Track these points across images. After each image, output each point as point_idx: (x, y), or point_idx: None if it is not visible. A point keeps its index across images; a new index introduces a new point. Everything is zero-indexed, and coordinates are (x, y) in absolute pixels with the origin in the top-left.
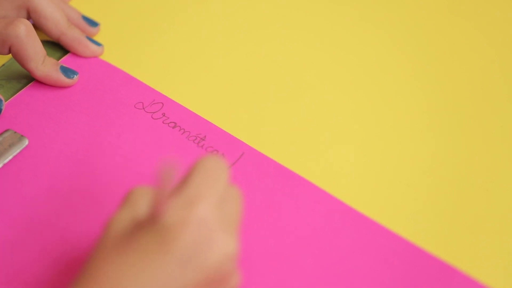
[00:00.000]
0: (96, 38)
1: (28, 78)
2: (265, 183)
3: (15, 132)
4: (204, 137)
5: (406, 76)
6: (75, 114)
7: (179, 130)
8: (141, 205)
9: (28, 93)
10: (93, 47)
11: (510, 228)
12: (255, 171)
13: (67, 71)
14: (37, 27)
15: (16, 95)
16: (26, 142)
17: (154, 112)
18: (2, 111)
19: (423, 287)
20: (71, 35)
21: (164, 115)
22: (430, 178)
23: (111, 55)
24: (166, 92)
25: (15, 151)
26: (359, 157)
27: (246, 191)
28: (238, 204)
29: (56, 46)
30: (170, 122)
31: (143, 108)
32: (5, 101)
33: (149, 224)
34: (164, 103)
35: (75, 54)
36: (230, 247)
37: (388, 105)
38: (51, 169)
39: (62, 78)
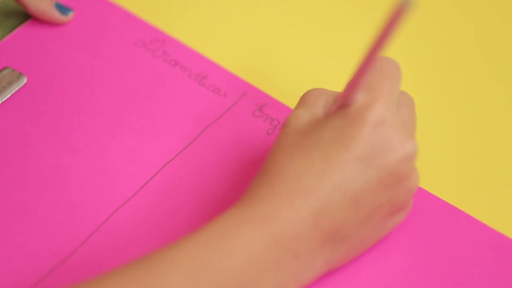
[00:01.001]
0: None
1: (26, 15)
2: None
3: (14, 69)
4: (205, 76)
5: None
6: (75, 52)
7: (180, 68)
8: (318, 104)
9: (26, 30)
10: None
11: None
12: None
13: (62, 8)
14: None
15: (14, 32)
16: (24, 80)
17: (155, 50)
18: None
19: (427, 225)
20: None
21: (165, 53)
22: (435, 119)
23: None
24: (167, 30)
25: (14, 89)
26: None
27: (247, 128)
28: (412, 110)
29: None
30: (171, 60)
31: (144, 46)
32: (3, 38)
33: (328, 122)
34: (165, 41)
35: None
36: (410, 147)
37: None
38: (50, 107)
39: (57, 15)
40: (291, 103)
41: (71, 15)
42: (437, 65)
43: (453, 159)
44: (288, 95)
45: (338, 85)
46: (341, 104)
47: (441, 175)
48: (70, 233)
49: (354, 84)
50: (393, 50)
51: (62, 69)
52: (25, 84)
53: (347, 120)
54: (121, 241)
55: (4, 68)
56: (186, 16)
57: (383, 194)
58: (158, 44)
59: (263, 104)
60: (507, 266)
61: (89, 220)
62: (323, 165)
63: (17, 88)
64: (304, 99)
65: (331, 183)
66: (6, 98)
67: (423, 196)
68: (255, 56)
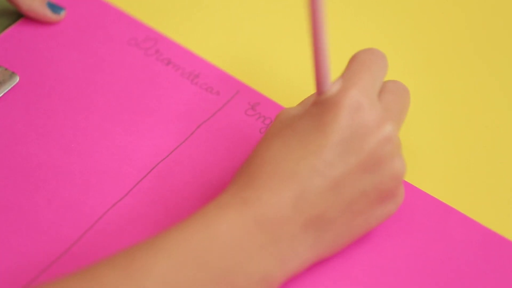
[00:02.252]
0: None
1: (18, 15)
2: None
3: (6, 69)
4: (198, 74)
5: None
6: (67, 51)
7: (173, 67)
8: (309, 101)
9: (18, 29)
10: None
11: None
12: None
13: (54, 7)
14: None
15: (6, 31)
16: (17, 79)
17: (147, 49)
18: None
19: (418, 223)
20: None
21: (157, 52)
22: (428, 117)
23: None
24: (160, 29)
25: (6, 88)
26: None
27: (240, 127)
28: (399, 95)
29: None
30: (164, 59)
31: (136, 45)
32: None
33: (307, 111)
34: (157, 39)
35: None
36: (388, 130)
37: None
38: (42, 106)
39: (49, 14)
40: (284, 101)
41: (63, 14)
42: (430, 61)
43: (445, 157)
44: (281, 94)
45: None
46: (318, 93)
47: (433, 173)
48: (62, 233)
49: (318, 71)
50: (389, 48)
51: (55, 68)
52: (17, 83)
53: (323, 107)
54: (114, 240)
55: None
56: (178, 15)
57: (365, 178)
58: (151, 43)
59: (255, 102)
60: (499, 264)
61: (82, 219)
62: (301, 151)
63: (9, 87)
64: (302, 101)
65: (309, 167)
66: None
67: (415, 194)
68: (248, 54)
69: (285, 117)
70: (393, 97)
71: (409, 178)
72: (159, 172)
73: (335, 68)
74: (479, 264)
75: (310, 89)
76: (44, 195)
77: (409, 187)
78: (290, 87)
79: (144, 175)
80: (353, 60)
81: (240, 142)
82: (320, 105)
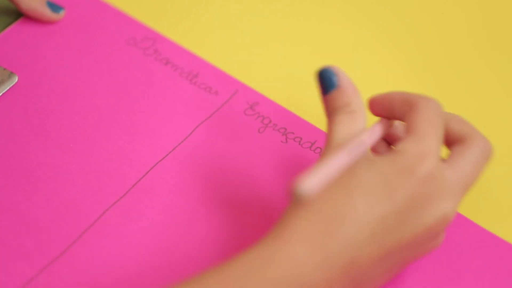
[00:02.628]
0: None
1: (18, 14)
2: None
3: (5, 68)
4: (197, 74)
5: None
6: (66, 51)
7: (172, 67)
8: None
9: (17, 28)
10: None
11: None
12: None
13: (54, 6)
14: None
15: (5, 30)
16: (16, 79)
17: (146, 49)
18: None
19: None
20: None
21: (156, 52)
22: None
23: None
24: (158, 28)
25: (5, 88)
26: None
27: (238, 127)
28: (478, 165)
29: None
30: (162, 59)
31: (135, 45)
32: None
33: (376, 164)
34: (156, 39)
35: None
36: (449, 209)
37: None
38: (41, 106)
39: (48, 13)
40: (283, 101)
41: (62, 13)
42: (429, 61)
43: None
44: (279, 94)
45: None
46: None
47: None
48: (61, 232)
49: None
50: (389, 49)
51: (54, 68)
52: (16, 83)
53: (396, 168)
54: (113, 240)
55: None
56: (177, 15)
57: (412, 250)
58: (149, 43)
59: (254, 102)
60: (497, 266)
61: (81, 219)
62: (365, 212)
63: (8, 87)
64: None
65: (370, 233)
66: None
67: None
68: (247, 54)
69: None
70: (471, 170)
71: None
72: (157, 172)
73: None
74: (475, 266)
75: (308, 89)
76: (42, 194)
77: None
78: (288, 86)
79: (142, 174)
80: (418, 115)
81: (238, 141)
82: (393, 164)
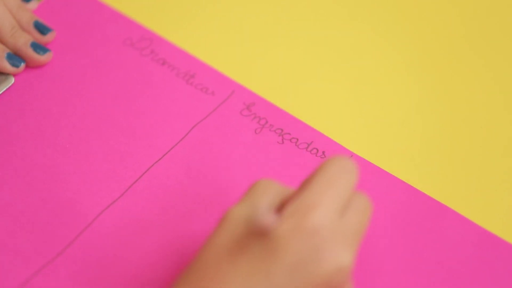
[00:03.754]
0: None
1: None
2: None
3: None
4: (193, 75)
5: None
6: (62, 52)
7: (168, 67)
8: (262, 201)
9: None
10: (36, 57)
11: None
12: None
13: (38, 48)
14: None
15: None
16: (12, 80)
17: (142, 49)
18: None
19: (415, 222)
20: (13, 44)
21: (152, 52)
22: (425, 118)
23: None
24: (155, 29)
25: (2, 89)
26: (349, 96)
27: (235, 127)
28: (365, 214)
29: None
30: (159, 59)
31: (132, 45)
32: None
33: (260, 233)
34: (153, 39)
35: None
36: (343, 260)
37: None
38: (37, 107)
39: (34, 56)
40: (279, 102)
41: (48, 54)
42: (427, 61)
43: (441, 156)
44: (276, 94)
45: (326, 83)
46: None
47: (429, 172)
48: (57, 233)
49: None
50: (386, 51)
51: (50, 69)
52: (13, 84)
53: (279, 230)
54: (110, 241)
55: None
56: (173, 15)
57: None
58: (146, 43)
59: (251, 103)
60: (493, 263)
61: (77, 220)
62: (250, 277)
63: (5, 88)
64: (250, 192)
65: None
66: None
67: (411, 193)
68: (243, 55)
69: (234, 227)
70: (357, 217)
71: (405, 177)
72: (154, 173)
73: (333, 69)
74: (474, 264)
75: (304, 90)
76: (39, 195)
77: (406, 186)
78: (285, 87)
79: (139, 175)
80: (319, 173)
81: (235, 142)
82: (275, 227)
